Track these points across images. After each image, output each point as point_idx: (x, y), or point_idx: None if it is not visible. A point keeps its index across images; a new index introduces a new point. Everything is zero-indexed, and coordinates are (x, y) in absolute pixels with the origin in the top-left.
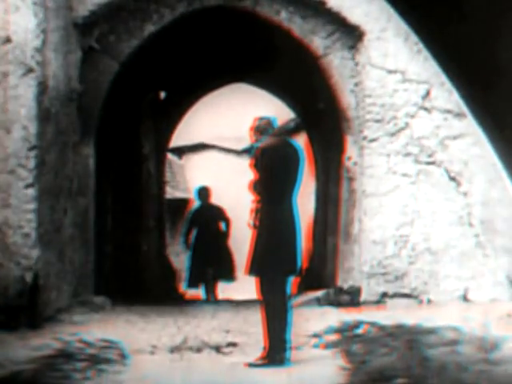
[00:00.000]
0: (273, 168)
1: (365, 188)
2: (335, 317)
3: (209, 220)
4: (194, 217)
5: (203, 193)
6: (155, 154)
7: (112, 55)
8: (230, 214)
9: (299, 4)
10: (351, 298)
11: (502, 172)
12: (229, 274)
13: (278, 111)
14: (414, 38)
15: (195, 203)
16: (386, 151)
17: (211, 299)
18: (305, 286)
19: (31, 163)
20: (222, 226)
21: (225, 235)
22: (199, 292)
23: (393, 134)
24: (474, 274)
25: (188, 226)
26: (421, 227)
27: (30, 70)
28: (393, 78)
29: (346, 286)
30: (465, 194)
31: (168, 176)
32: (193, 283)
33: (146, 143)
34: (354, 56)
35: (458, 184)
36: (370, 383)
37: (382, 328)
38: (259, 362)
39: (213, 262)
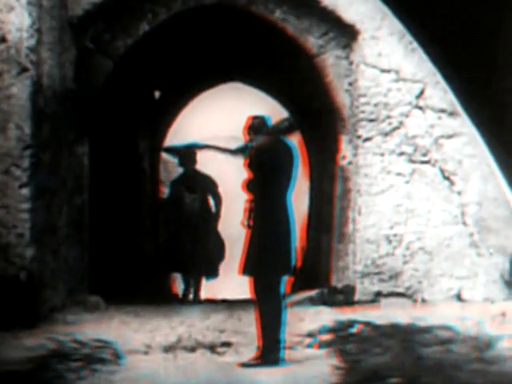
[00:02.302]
0: (267, 167)
1: (359, 187)
2: (329, 316)
3: (193, 192)
4: (175, 189)
5: (186, 155)
6: (150, 153)
7: (107, 54)
8: (224, 214)
9: (294, 3)
10: (345, 298)
11: (496, 171)
12: (217, 268)
13: (272, 110)
14: (408, 37)
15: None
16: (380, 150)
17: (194, 299)
18: (299, 286)
19: (26, 163)
20: (211, 202)
21: (214, 216)
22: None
23: (387, 134)
24: (469, 273)
25: (168, 205)
26: (415, 226)
27: (25, 70)
28: (387, 77)
29: (339, 286)
30: (459, 193)
31: (163, 175)
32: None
33: (140, 142)
34: (348, 55)
35: (452, 183)
36: (364, 383)
37: (376, 327)
38: (253, 361)
39: (198, 251)
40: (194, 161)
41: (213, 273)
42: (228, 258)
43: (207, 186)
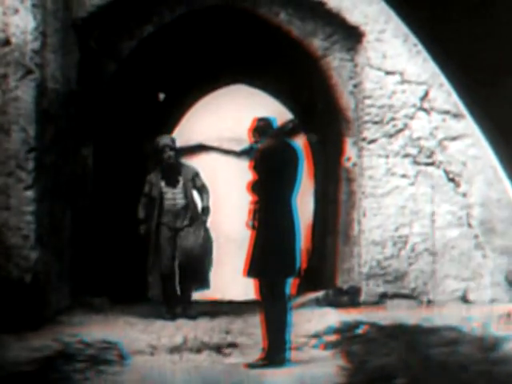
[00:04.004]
0: (272, 169)
1: (364, 189)
2: (335, 317)
3: (174, 186)
4: (152, 184)
5: (166, 145)
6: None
7: (111, 56)
8: (229, 215)
9: (298, 5)
10: (351, 299)
11: (501, 173)
12: (206, 277)
13: (277, 112)
14: (412, 39)
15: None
16: (384, 152)
17: (184, 314)
18: (304, 287)
19: (30, 165)
20: (196, 198)
21: (202, 212)
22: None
23: (392, 135)
24: (474, 274)
25: (145, 203)
26: (420, 228)
27: (29, 72)
28: (392, 79)
29: (345, 287)
30: (464, 194)
31: None
32: (153, 293)
33: (145, 144)
34: (353, 57)
35: (457, 185)
36: (369, 383)
37: (381, 328)
38: (259, 362)
39: (184, 258)
40: (172, 150)
41: (203, 283)
42: (234, 259)
43: (192, 178)
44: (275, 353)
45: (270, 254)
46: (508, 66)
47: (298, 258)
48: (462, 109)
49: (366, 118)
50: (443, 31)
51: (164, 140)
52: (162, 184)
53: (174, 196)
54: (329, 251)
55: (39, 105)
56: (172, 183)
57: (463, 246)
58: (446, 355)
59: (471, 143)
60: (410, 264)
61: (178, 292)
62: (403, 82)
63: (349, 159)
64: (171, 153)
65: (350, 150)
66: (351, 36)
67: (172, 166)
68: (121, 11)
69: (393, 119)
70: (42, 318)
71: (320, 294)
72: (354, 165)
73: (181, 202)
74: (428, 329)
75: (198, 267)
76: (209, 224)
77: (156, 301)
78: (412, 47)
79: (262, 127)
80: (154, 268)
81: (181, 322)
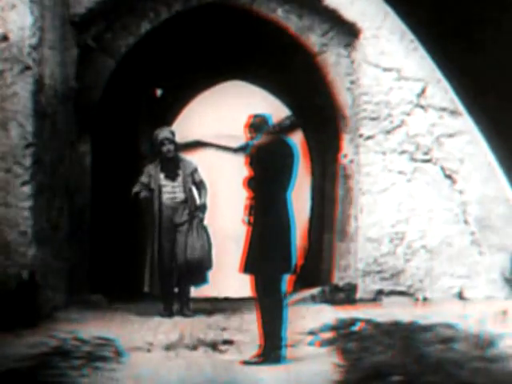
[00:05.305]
0: (267, 166)
1: (361, 186)
2: (331, 314)
3: (173, 179)
4: (151, 177)
5: (166, 138)
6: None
7: (109, 53)
8: (225, 211)
9: (295, 2)
10: (347, 296)
11: (497, 170)
12: (204, 273)
13: (274, 109)
14: (409, 35)
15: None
16: (381, 149)
17: (182, 312)
18: (300, 284)
19: (28, 161)
20: (194, 194)
21: (200, 209)
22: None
23: (388, 132)
24: (470, 271)
25: (137, 197)
26: (416, 225)
27: (27, 68)
28: (388, 75)
29: (341, 284)
30: (460, 191)
31: None
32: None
33: (142, 141)
34: (350, 54)
35: (454, 182)
36: (365, 381)
37: (377, 325)
38: (255, 359)
39: (185, 256)
40: (171, 143)
41: (200, 279)
42: (230, 255)
43: (189, 172)
44: (271, 350)
45: (265, 250)
46: (505, 62)
47: (294, 254)
48: (459, 106)
49: (363, 114)
50: (440, 28)
51: (163, 133)
52: (161, 176)
53: (173, 190)
54: (325, 248)
55: (37, 101)
56: (171, 177)
57: (460, 243)
58: (442, 352)
59: (468, 140)
60: (406, 261)
61: (176, 289)
62: (400, 78)
63: (346, 156)
64: (170, 146)
65: (346, 147)
66: (348, 32)
67: (171, 160)
68: (118, 8)
69: (390, 116)
70: (39, 314)
71: (316, 290)
72: (351, 161)
73: (180, 196)
74: (424, 326)
75: (198, 266)
76: (205, 221)
77: (154, 295)
78: (409, 44)
79: (257, 124)
80: (153, 262)
81: (177, 318)
